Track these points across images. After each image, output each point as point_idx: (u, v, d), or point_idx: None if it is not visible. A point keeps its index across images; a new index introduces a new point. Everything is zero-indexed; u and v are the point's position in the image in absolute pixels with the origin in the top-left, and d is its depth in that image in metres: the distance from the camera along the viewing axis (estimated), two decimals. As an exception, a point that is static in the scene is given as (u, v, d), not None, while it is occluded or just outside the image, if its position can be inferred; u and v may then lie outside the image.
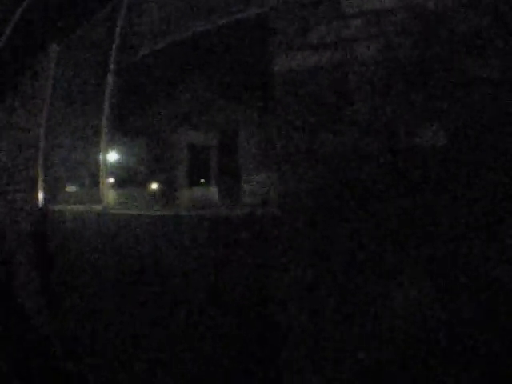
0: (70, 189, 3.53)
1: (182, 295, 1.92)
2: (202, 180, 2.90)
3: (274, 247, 1.51)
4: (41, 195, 3.24)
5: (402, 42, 1.36)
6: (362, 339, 1.33)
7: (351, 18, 1.42)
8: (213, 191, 2.80)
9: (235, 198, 2.48)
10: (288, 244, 1.45)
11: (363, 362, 1.32)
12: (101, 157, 2.68)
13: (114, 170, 2.77)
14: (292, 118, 1.47)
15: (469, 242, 1.26)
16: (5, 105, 4.13)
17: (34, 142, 3.32)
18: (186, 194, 2.89)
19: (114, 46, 2.73)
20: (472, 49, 1.30)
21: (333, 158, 1.40)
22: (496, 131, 1.25)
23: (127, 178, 3.05)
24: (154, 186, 3.06)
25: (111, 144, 2.68)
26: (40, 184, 3.26)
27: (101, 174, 2.67)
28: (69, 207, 3.00)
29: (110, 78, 2.69)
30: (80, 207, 2.86)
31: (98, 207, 2.60)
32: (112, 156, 2.76)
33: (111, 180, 2.73)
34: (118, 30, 2.74)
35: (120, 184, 2.93)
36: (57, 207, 3.10)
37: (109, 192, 2.66)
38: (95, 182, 2.80)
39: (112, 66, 2.70)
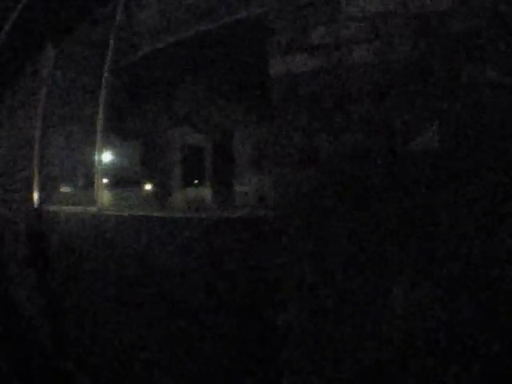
0: (65, 189, 3.52)
1: (178, 296, 1.92)
2: (196, 181, 2.89)
3: (271, 249, 1.50)
4: (36, 195, 3.22)
5: (400, 44, 1.36)
6: (362, 339, 1.33)
7: (349, 20, 1.42)
8: (207, 192, 2.79)
9: (229, 199, 2.48)
10: (285, 245, 1.45)
11: (363, 362, 1.32)
12: (96, 157, 2.66)
13: (108, 170, 2.76)
14: (289, 120, 1.47)
15: (469, 242, 1.26)
16: (2, 105, 4.10)
17: (30, 141, 3.30)
18: (179, 195, 2.89)
19: (110, 47, 2.73)
20: (471, 51, 1.30)
21: (330, 159, 1.40)
22: (494, 133, 1.26)
23: (122, 179, 3.03)
24: (148, 186, 3.05)
25: (106, 144, 2.67)
26: (36, 184, 3.24)
27: (96, 174, 2.66)
28: (64, 208, 2.98)
29: (105, 79, 2.68)
30: (75, 208, 2.84)
31: (92, 208, 2.58)
32: (106, 156, 2.75)
33: (105, 181, 2.71)
34: (114, 31, 2.74)
35: (114, 185, 2.92)
36: (52, 208, 3.08)
37: (103, 193, 2.65)
38: (90, 183, 2.78)
39: (108, 67, 2.69)
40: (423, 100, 1.33)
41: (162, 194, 2.90)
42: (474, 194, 1.26)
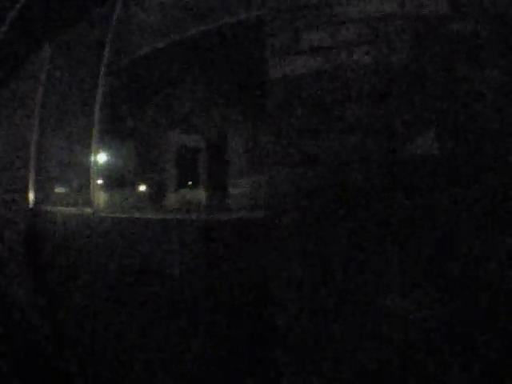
0: (61, 190, 3.50)
1: (173, 297, 1.91)
2: (190, 183, 2.89)
3: (267, 250, 1.50)
4: (32, 196, 3.21)
5: (398, 46, 1.37)
6: (362, 339, 1.33)
7: (347, 23, 1.43)
8: (201, 194, 2.80)
9: (223, 201, 2.49)
10: (284, 246, 1.45)
11: (363, 361, 1.32)
12: (91, 158, 2.66)
13: (103, 171, 2.76)
14: (288, 122, 1.47)
15: (469, 243, 1.26)
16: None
17: (27, 142, 3.28)
18: (174, 196, 2.89)
19: (106, 48, 2.72)
20: (469, 54, 1.31)
21: (329, 161, 1.41)
22: (493, 136, 1.27)
23: (117, 180, 3.02)
24: (143, 187, 3.05)
25: (102, 146, 2.67)
26: (31, 184, 3.22)
27: (91, 175, 2.66)
28: (60, 209, 2.97)
29: (101, 80, 2.68)
30: (70, 209, 2.84)
31: (88, 210, 2.58)
32: (102, 157, 2.75)
33: (100, 181, 2.71)
34: (111, 31, 2.73)
35: (110, 186, 2.91)
36: (48, 208, 3.07)
37: (99, 194, 2.64)
38: (86, 184, 2.78)
39: (103, 68, 2.69)
40: (422, 102, 1.34)
41: (157, 195, 2.90)
42: (474, 194, 1.27)
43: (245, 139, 2.63)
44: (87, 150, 2.72)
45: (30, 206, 3.18)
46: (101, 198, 2.66)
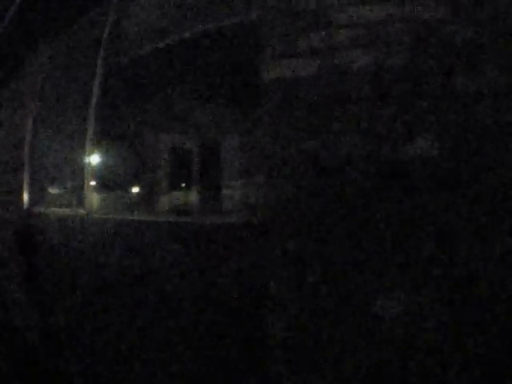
0: (54, 191, 3.48)
1: (166, 299, 1.90)
2: (183, 185, 2.89)
3: (264, 252, 1.50)
4: (26, 197, 3.19)
5: (394, 51, 1.37)
6: (362, 339, 1.33)
7: (343, 28, 1.43)
8: (194, 196, 2.80)
9: (216, 203, 2.49)
10: (283, 247, 1.44)
11: (363, 361, 1.32)
12: (85, 159, 2.66)
13: (97, 172, 2.75)
14: (282, 125, 1.47)
15: (469, 243, 1.27)
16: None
17: (21, 142, 3.27)
18: (167, 198, 2.89)
19: (100, 51, 2.72)
20: (467, 58, 1.32)
21: (328, 163, 1.41)
22: (493, 136, 1.28)
23: (111, 182, 3.02)
24: (136, 189, 3.05)
25: (96, 147, 2.67)
26: (26, 185, 3.21)
27: (85, 177, 2.65)
28: (53, 210, 2.96)
29: (96, 81, 2.67)
30: (64, 210, 2.83)
31: (82, 211, 2.58)
32: (95, 159, 2.74)
33: (94, 183, 2.71)
34: (106, 32, 2.73)
35: (103, 187, 2.90)
36: (42, 209, 3.05)
37: (93, 195, 2.64)
38: (80, 185, 2.77)
39: (99, 69, 2.68)
40: (421, 103, 1.34)
41: (150, 197, 2.90)
42: (474, 194, 1.27)
43: (239, 141, 2.64)
44: (81, 151, 2.71)
45: (25, 206, 3.16)
46: (94, 199, 2.65)
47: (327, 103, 1.42)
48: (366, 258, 1.34)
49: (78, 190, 2.75)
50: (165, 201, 2.91)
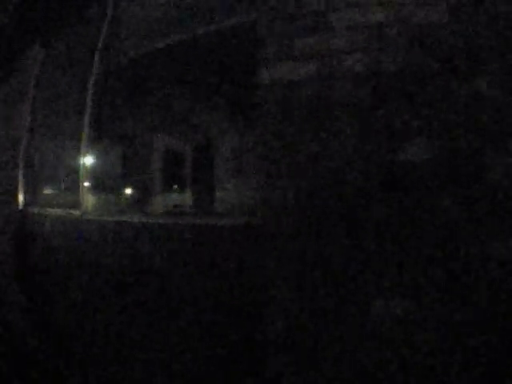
0: (49, 192, 3.47)
1: (161, 299, 1.89)
2: (176, 186, 2.89)
3: (261, 253, 1.49)
4: (21, 197, 3.18)
5: (390, 55, 1.38)
6: (362, 339, 1.32)
7: (339, 31, 1.44)
8: (188, 198, 2.79)
9: (210, 205, 2.48)
10: (282, 248, 1.44)
11: (363, 361, 1.31)
12: (80, 161, 2.66)
13: (91, 174, 2.74)
14: (277, 127, 1.47)
15: (469, 243, 1.27)
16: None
17: (16, 143, 3.25)
18: (160, 200, 2.88)
19: (96, 54, 2.72)
20: (463, 62, 1.33)
21: (319, 166, 1.41)
22: (493, 136, 1.28)
23: (105, 183, 3.01)
24: (130, 190, 3.04)
25: (90, 149, 2.66)
26: (21, 186, 3.19)
27: (80, 178, 2.64)
28: (48, 210, 2.94)
29: (91, 83, 2.67)
30: (59, 211, 2.82)
31: (76, 212, 2.57)
32: (90, 160, 2.74)
33: (87, 184, 2.70)
34: (102, 35, 2.72)
35: (97, 188, 2.90)
36: (36, 210, 3.04)
37: (87, 196, 2.63)
38: (74, 186, 2.77)
39: (94, 71, 2.68)
40: (421, 104, 1.34)
41: (143, 199, 2.89)
42: (474, 194, 1.27)
43: (237, 142, 2.63)
44: (76, 152, 2.71)
45: (20, 207, 3.15)
46: (89, 200, 2.65)
47: (324, 105, 1.42)
48: (365, 257, 1.34)
49: (73, 191, 2.74)
50: (159, 202, 2.91)
